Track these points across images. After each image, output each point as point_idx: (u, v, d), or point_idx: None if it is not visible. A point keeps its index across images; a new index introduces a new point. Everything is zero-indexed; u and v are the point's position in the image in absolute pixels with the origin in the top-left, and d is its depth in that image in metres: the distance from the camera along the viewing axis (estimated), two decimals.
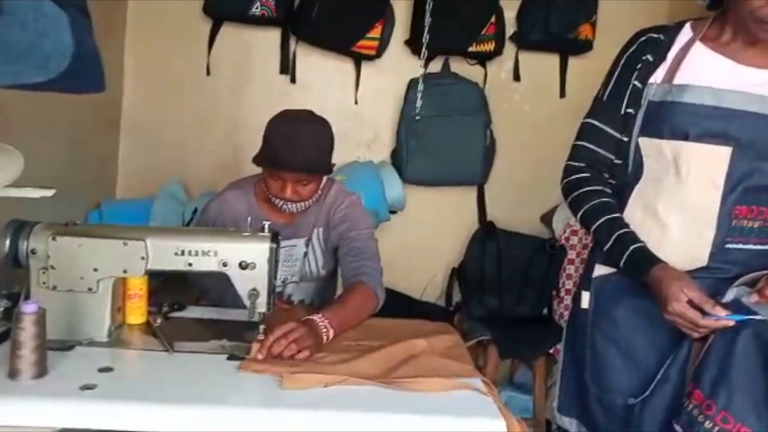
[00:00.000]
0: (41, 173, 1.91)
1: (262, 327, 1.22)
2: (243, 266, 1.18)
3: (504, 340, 2.39)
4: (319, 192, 1.54)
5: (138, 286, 1.26)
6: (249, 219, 1.24)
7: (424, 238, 2.77)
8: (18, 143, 1.55)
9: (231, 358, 1.14)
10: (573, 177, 1.33)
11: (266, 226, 1.20)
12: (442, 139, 2.59)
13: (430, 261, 2.78)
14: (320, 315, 1.25)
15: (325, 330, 1.23)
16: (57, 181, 2.05)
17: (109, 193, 2.52)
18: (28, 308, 0.94)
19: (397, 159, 2.65)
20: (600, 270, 1.31)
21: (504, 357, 2.42)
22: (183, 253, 1.16)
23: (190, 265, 1.17)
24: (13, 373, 0.94)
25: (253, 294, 1.19)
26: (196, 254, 1.16)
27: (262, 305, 1.20)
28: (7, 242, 1.11)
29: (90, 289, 1.14)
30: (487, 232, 2.69)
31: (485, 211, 2.80)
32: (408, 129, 2.59)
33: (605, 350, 1.27)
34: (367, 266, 1.48)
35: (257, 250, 1.18)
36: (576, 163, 1.34)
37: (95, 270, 1.14)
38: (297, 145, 1.39)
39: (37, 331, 0.94)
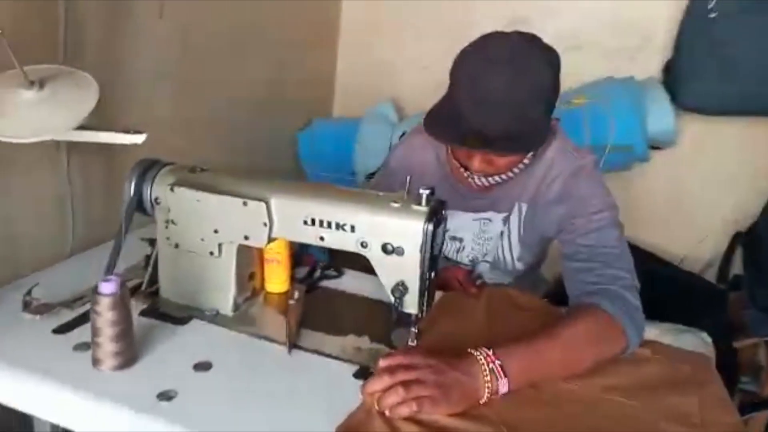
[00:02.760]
0: (249, 93, 1.84)
1: (414, 330, 0.88)
2: (387, 250, 0.83)
3: None
4: (528, 158, 1.07)
5: (275, 249, 1.01)
6: (408, 177, 0.86)
7: (697, 185, 2.05)
8: (220, 66, 1.40)
9: (358, 375, 0.83)
10: None
11: (423, 196, 0.81)
12: (750, 49, 1.77)
13: (701, 218, 2.07)
14: (491, 350, 0.79)
15: (487, 379, 0.76)
16: (266, 100, 1.99)
17: (325, 111, 2.39)
18: (105, 288, 0.75)
19: (672, 76, 1.92)
20: None
21: None
22: (314, 222, 0.86)
23: (321, 239, 0.87)
24: (95, 361, 0.78)
25: (399, 289, 0.84)
26: (329, 226, 0.85)
27: (412, 305, 0.85)
28: (132, 186, 0.94)
29: (212, 254, 0.93)
30: None
31: None
32: (696, 33, 1.83)
33: None
34: (607, 277, 0.95)
35: (406, 230, 0.81)
36: None
37: (216, 232, 0.91)
38: (488, 110, 0.91)
39: (116, 317, 0.76)
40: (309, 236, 0.87)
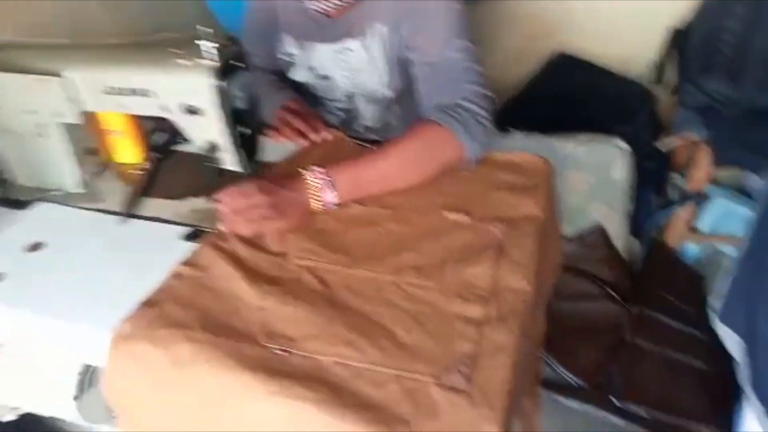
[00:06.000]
0: None
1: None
2: (188, 111, 0.80)
3: (725, 142, 1.65)
4: None
5: (112, 120, 0.99)
6: (198, 27, 0.80)
7: None
8: None
9: (189, 237, 0.85)
10: None
11: (209, 50, 0.76)
12: None
13: (643, 19, 1.93)
14: (323, 169, 0.86)
15: (314, 191, 0.83)
16: None
17: None
18: None
19: None
20: None
21: (720, 164, 1.69)
22: (113, 91, 0.83)
23: (124, 107, 0.84)
24: None
25: (212, 149, 0.83)
26: (128, 93, 0.82)
27: (232, 163, 0.85)
28: None
29: (39, 135, 0.91)
30: None
31: None
32: None
33: None
34: (447, 92, 0.94)
35: (199, 89, 0.78)
36: None
37: (28, 113, 0.89)
38: None
39: None
40: (113, 106, 0.84)
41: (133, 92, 0.81)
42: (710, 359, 1.52)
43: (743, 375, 0.85)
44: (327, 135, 1.06)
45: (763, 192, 0.83)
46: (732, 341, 0.89)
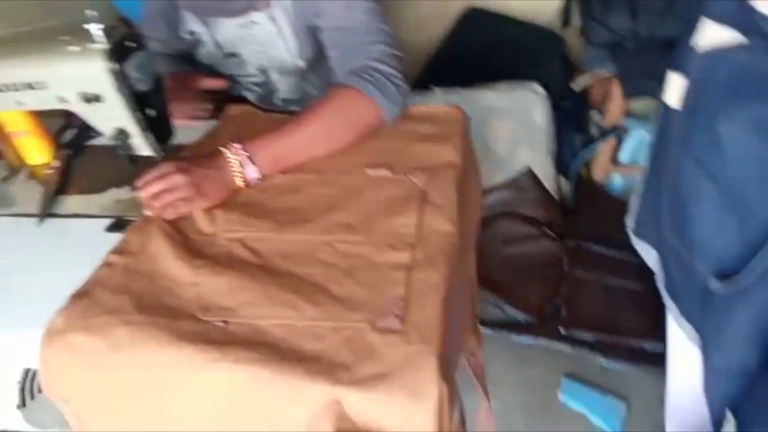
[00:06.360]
0: None
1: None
2: (88, 99, 0.78)
3: (633, 74, 1.73)
4: None
5: (12, 121, 0.95)
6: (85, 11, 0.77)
7: None
8: None
9: (113, 228, 0.84)
10: None
11: (95, 33, 0.74)
12: None
13: None
14: (241, 144, 0.86)
15: (236, 170, 0.84)
16: None
17: None
18: None
19: None
20: (714, 32, 0.65)
21: (629, 96, 1.78)
22: (6, 87, 0.80)
23: (21, 104, 0.81)
24: None
25: (121, 137, 0.81)
26: (22, 88, 0.79)
27: (144, 148, 0.84)
28: None
29: None
30: None
31: None
32: None
33: (695, 185, 0.71)
34: (357, 55, 0.95)
35: (94, 75, 0.76)
36: None
37: None
38: None
39: None
40: (8, 103, 0.81)
41: (27, 86, 0.78)
42: (642, 279, 1.62)
43: (659, 282, 0.91)
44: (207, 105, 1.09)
45: (659, 111, 0.88)
46: (648, 254, 0.95)
